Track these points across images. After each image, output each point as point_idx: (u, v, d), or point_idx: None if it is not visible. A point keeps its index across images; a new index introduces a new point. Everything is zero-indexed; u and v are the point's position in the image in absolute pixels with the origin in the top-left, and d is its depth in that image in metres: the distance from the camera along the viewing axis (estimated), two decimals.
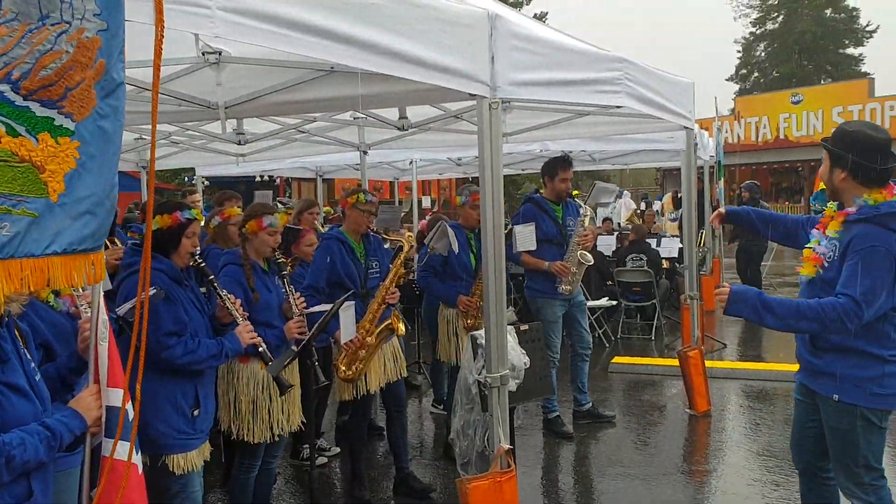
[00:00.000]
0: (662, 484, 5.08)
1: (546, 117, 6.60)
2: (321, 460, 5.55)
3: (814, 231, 3.35)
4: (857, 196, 3.12)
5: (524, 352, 3.92)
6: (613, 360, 8.27)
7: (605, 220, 14.29)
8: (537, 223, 5.93)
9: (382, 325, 4.49)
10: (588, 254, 5.91)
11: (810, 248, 3.29)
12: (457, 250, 5.33)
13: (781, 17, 44.89)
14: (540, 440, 5.98)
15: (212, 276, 3.46)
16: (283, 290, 3.93)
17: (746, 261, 11.63)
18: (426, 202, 18.70)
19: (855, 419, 3.14)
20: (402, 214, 14.25)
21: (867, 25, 43.60)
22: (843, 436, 3.20)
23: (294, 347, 3.70)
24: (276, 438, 3.93)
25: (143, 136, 7.25)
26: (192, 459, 3.38)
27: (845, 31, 43.76)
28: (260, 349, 3.51)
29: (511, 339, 3.87)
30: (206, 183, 22.12)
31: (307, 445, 5.49)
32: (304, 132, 7.00)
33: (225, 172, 12.88)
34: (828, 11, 43.54)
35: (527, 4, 38.27)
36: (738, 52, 47.25)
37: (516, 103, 6.14)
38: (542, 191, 6.24)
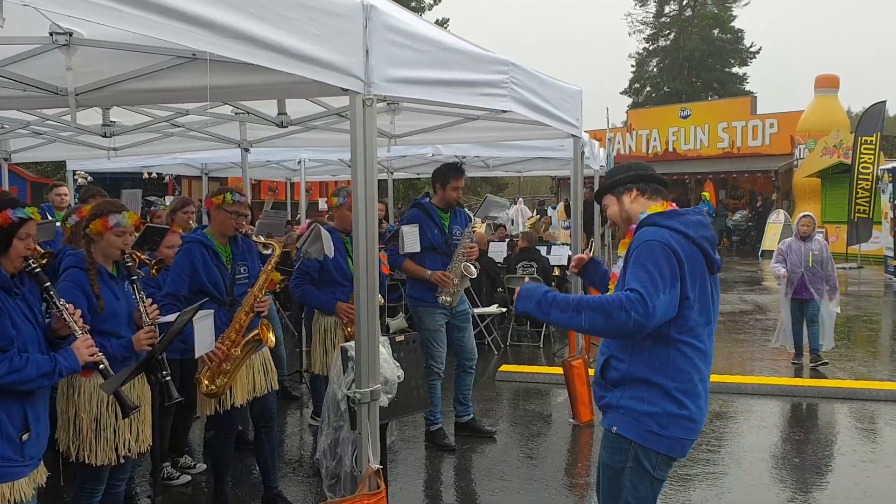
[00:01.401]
0: (544, 498, 4.96)
1: (435, 120, 6.44)
2: (185, 478, 5.17)
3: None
4: (644, 211, 3.02)
5: (398, 364, 3.70)
6: (501, 369, 8.18)
7: (499, 227, 14.31)
8: (423, 230, 5.74)
9: (249, 336, 4.16)
10: (472, 266, 5.76)
11: (613, 271, 3.13)
12: (332, 255, 5.06)
13: (673, 34, 46.64)
14: (422, 453, 5.78)
15: (47, 283, 3.07)
16: (134, 296, 3.56)
17: None
18: (322, 204, 18.23)
19: (627, 458, 2.89)
20: (298, 217, 13.85)
21: (751, 47, 45.84)
22: (613, 474, 2.94)
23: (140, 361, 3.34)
24: (122, 460, 3.56)
25: (5, 126, 6.66)
26: (20, 489, 2.96)
27: (731, 51, 45.85)
28: (101, 366, 3.14)
29: (384, 351, 3.64)
30: (89, 179, 20.96)
31: (168, 463, 5.13)
32: (178, 126, 6.58)
33: (98, 167, 12.16)
34: (715, 32, 45.51)
35: (429, 10, 38.30)
36: (632, 66, 48.82)
37: (405, 105, 5.97)
38: (430, 196, 6.05)
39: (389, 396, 3.58)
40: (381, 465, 3.49)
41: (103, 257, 3.56)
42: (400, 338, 3.85)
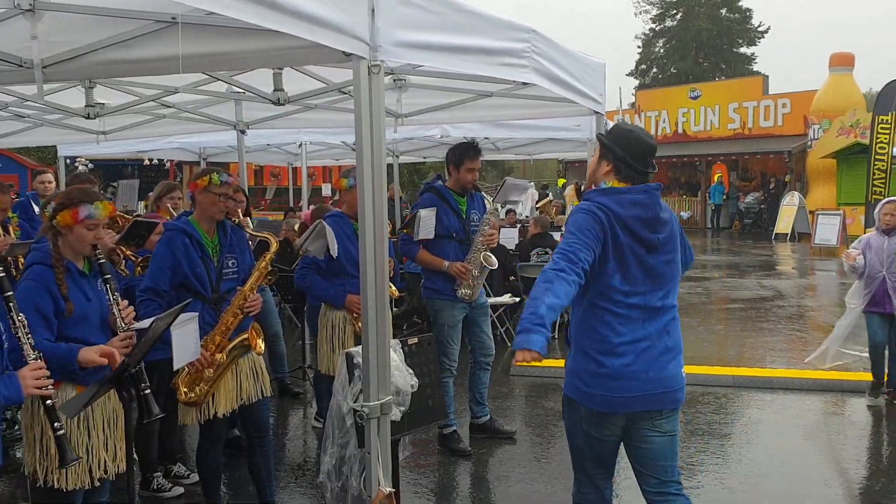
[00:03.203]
0: None
1: (445, 98, 5.97)
2: (177, 490, 4.74)
3: None
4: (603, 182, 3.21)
5: (411, 372, 3.26)
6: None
7: (509, 212, 13.82)
8: (438, 216, 5.28)
9: (237, 340, 3.71)
10: (493, 257, 5.29)
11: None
12: (335, 254, 4.63)
13: (680, 14, 45.88)
14: (434, 459, 5.33)
15: (9, 293, 2.59)
16: (108, 297, 3.11)
17: None
18: (326, 190, 17.71)
19: (564, 409, 3.27)
20: (299, 204, 13.38)
21: (759, 26, 45.11)
22: (565, 423, 3.30)
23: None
24: (97, 483, 3.12)
25: None
26: None
27: (739, 30, 45.10)
28: (48, 402, 2.63)
29: (395, 357, 3.20)
30: (90, 166, 20.50)
31: (159, 473, 4.72)
32: (169, 106, 6.11)
33: (91, 153, 11.71)
34: (723, 11, 44.75)
35: None
36: (639, 47, 48.08)
37: (413, 80, 5.50)
38: (444, 179, 5.58)
39: (402, 409, 3.14)
40: (393, 487, 3.06)
41: (72, 252, 3.10)
42: (412, 341, 3.40)
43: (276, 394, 6.80)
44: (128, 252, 4.37)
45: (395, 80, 5.42)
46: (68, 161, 19.01)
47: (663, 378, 3.10)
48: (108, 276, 3.10)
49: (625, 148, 3.14)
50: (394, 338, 3.43)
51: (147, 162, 20.55)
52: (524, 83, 4.70)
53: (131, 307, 3.19)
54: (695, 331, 9.75)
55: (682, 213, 28.54)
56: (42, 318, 2.91)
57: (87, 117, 5.65)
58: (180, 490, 4.75)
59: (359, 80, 2.85)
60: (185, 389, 3.66)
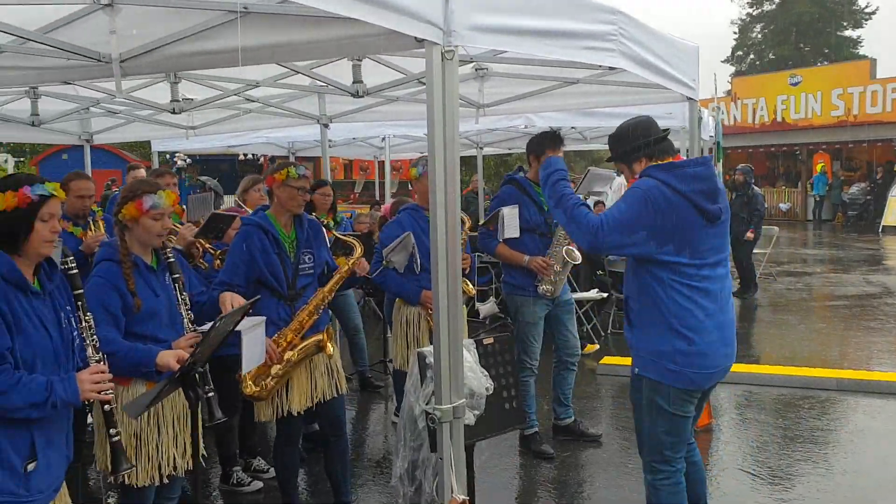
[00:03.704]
0: None
1: (528, 86, 5.77)
2: (257, 484, 4.72)
3: None
4: None
5: (486, 373, 3.10)
6: (603, 361, 7.45)
7: (598, 203, 13.43)
8: (519, 209, 5.10)
9: (310, 340, 3.63)
10: (576, 251, 5.05)
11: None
12: (418, 269, 4.57)
13: None
14: (516, 460, 5.16)
15: (79, 291, 2.54)
16: (175, 294, 3.06)
17: (738, 248, 10.83)
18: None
19: (643, 393, 3.26)
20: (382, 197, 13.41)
21: (866, 7, 42.61)
22: (639, 409, 3.34)
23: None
24: (167, 480, 3.09)
25: (87, 106, 6.37)
26: None
27: (843, 12, 42.76)
28: (106, 408, 2.57)
29: (469, 358, 3.04)
30: (188, 161, 21.11)
31: (237, 468, 4.72)
32: (253, 100, 6.13)
33: (183, 148, 12.00)
34: None
35: None
36: (735, 33, 46.28)
37: (494, 69, 5.34)
38: (526, 171, 5.39)
39: (476, 413, 2.98)
40: (467, 494, 2.91)
41: (140, 246, 3.08)
42: (488, 340, 3.24)
43: (357, 387, 6.78)
44: (206, 245, 4.38)
45: (476, 69, 5.27)
46: (167, 156, 19.56)
47: (732, 353, 3.30)
48: (178, 275, 3.06)
49: (635, 137, 3.29)
50: (471, 336, 3.28)
51: (242, 157, 21.02)
52: (612, 68, 4.48)
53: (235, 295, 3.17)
54: (795, 329, 9.23)
55: (780, 205, 27.36)
56: (109, 315, 2.89)
57: (173, 112, 5.73)
58: (259, 485, 4.74)
59: (431, 67, 2.70)
60: (250, 383, 3.61)
